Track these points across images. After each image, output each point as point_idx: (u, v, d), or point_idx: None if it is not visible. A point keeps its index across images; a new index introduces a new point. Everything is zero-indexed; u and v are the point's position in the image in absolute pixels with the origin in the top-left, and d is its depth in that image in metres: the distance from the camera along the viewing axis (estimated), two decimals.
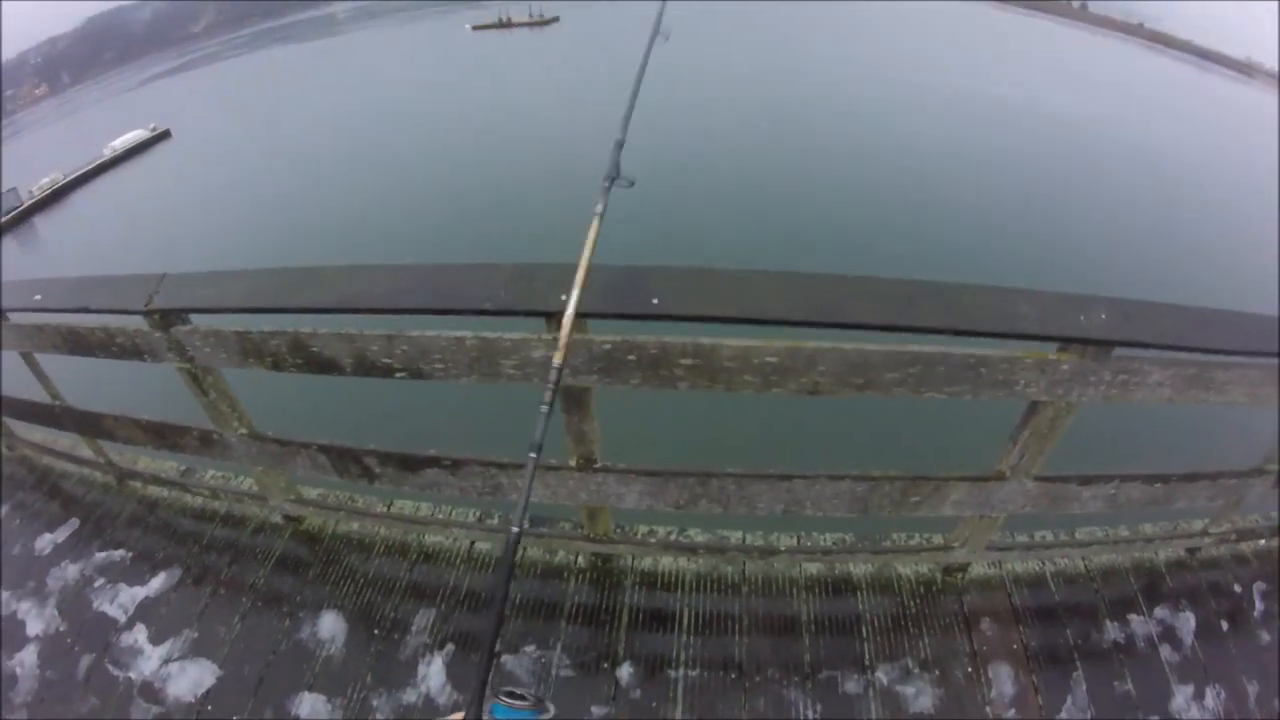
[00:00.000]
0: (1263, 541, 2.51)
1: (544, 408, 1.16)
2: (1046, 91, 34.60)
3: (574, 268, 1.41)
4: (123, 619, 2.27)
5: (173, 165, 32.75)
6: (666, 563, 2.27)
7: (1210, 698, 2.03)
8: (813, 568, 2.24)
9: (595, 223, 1.33)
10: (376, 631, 2.12)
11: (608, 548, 2.21)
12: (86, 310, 1.91)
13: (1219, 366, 1.66)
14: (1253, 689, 2.07)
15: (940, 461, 2.13)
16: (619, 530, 2.24)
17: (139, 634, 2.21)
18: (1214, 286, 14.66)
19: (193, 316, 1.85)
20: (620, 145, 1.42)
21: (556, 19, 56.90)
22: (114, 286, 1.93)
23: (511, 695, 0.92)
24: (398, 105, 35.06)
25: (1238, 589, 2.35)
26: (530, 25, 58.05)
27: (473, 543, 2.37)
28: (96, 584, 2.40)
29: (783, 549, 2.21)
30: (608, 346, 1.50)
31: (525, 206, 19.07)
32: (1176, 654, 2.11)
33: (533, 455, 1.15)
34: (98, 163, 34.08)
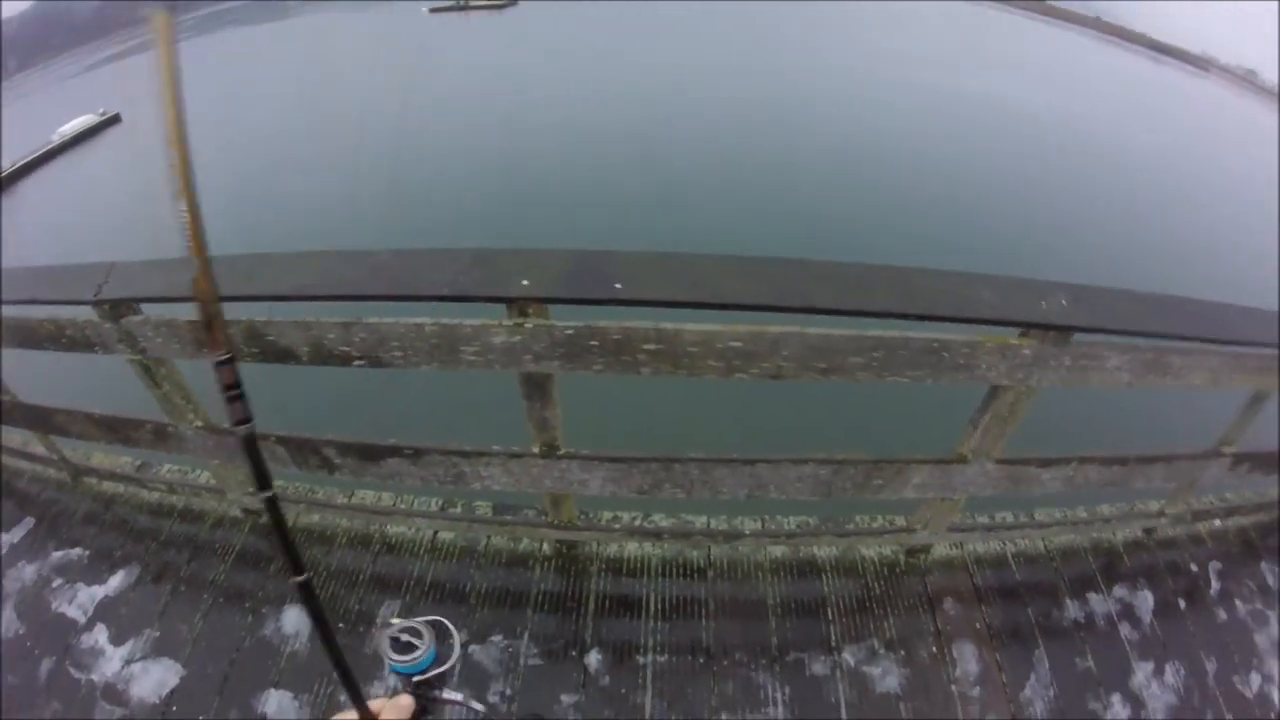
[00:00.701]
0: (1218, 522, 2.60)
1: None
2: (1007, 83, 35.11)
3: (534, 253, 1.39)
4: (82, 620, 2.21)
5: (123, 150, 31.61)
6: (632, 548, 2.27)
7: (1170, 674, 2.09)
8: (778, 551, 2.26)
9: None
10: (341, 625, 2.09)
11: (572, 534, 2.21)
12: (35, 301, 1.84)
13: (1176, 352, 1.70)
14: (1211, 665, 2.14)
15: (903, 445, 2.15)
16: (583, 517, 2.24)
17: (99, 635, 2.16)
18: (1172, 273, 15.10)
19: (144, 306, 1.78)
20: None
21: (514, 2, 56.03)
22: (62, 277, 1.86)
23: (400, 646, 0.85)
24: (352, 88, 34.17)
25: (1194, 568, 2.43)
26: (488, 8, 57.09)
27: (435, 532, 2.34)
28: (54, 584, 2.33)
29: (747, 533, 2.22)
30: (570, 332, 1.48)
31: (483, 190, 18.84)
32: (1136, 632, 2.18)
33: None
34: (46, 149, 32.80)
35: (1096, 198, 21.24)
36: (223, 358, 0.70)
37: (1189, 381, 1.78)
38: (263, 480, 0.71)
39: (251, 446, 0.72)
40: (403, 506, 2.35)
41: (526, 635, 2.04)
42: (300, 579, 0.73)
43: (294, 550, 0.73)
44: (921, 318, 1.46)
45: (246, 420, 0.70)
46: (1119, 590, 2.29)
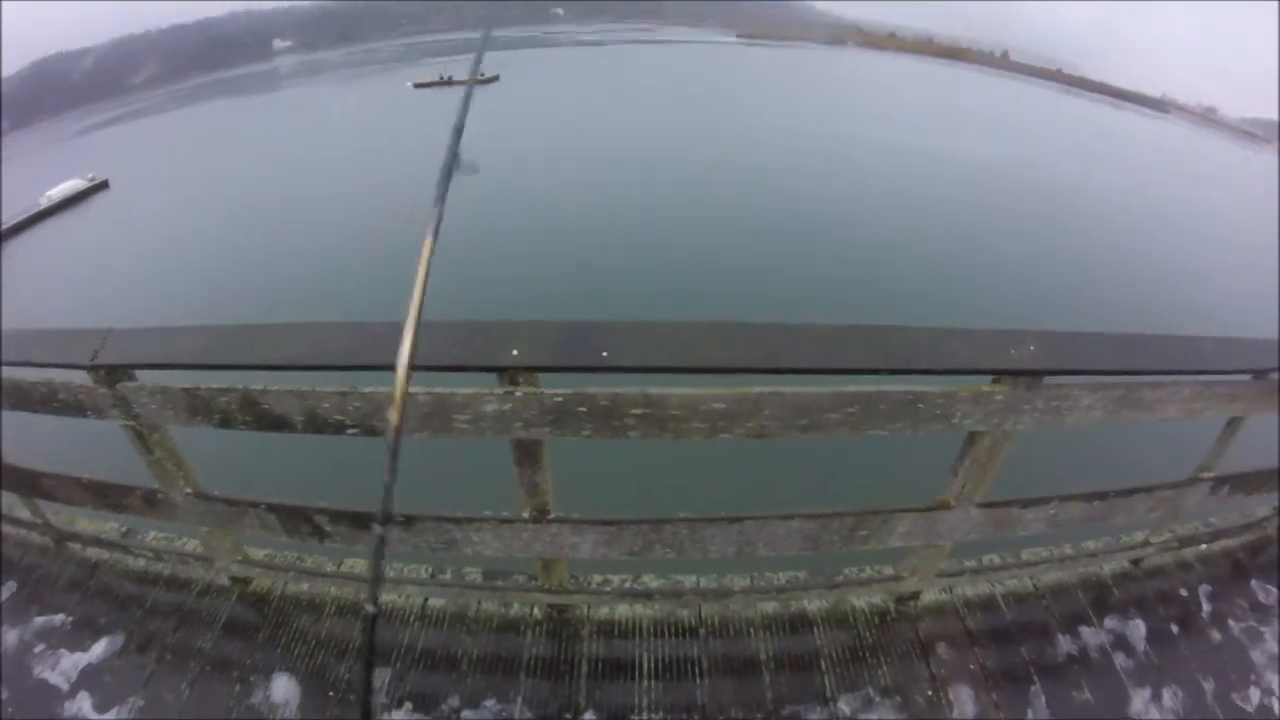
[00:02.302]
0: (1204, 546, 2.62)
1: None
2: (974, 139, 36.39)
3: (524, 324, 1.44)
4: (65, 687, 2.15)
5: (111, 216, 31.79)
6: (623, 610, 2.26)
7: (1168, 698, 2.10)
8: (768, 606, 2.26)
9: (428, 243, 0.98)
10: (331, 694, 2.05)
11: (563, 598, 2.20)
12: (29, 364, 1.84)
13: (1148, 386, 1.76)
14: (1209, 685, 2.15)
15: (888, 494, 2.19)
16: (574, 580, 2.24)
17: (83, 702, 2.10)
18: (1142, 305, 15.44)
19: (138, 372, 1.81)
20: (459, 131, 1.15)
21: (497, 77, 57.54)
22: (57, 340, 1.88)
23: None
24: (339, 160, 34.96)
25: (1184, 593, 2.45)
26: (471, 84, 58.22)
27: (426, 599, 2.32)
28: (36, 650, 2.27)
29: (737, 590, 2.23)
30: (559, 399, 1.52)
31: (469, 260, 19.12)
32: (1130, 660, 2.19)
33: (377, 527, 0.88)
34: (34, 212, 32.94)
35: (1064, 241, 21.90)
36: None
37: (1163, 414, 1.83)
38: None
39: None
40: (392, 574, 2.33)
41: (520, 700, 2.01)
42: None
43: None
44: (896, 372, 1.52)
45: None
46: (1110, 622, 2.30)
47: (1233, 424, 2.16)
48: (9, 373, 1.93)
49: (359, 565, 2.39)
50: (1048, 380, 1.63)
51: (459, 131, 1.14)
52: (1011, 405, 1.65)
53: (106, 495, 2.25)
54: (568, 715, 1.98)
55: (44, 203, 33.87)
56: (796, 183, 27.62)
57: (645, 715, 1.98)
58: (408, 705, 2.01)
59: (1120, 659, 2.19)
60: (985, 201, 25.97)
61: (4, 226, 30.80)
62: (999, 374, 1.61)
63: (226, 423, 1.74)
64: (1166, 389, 1.78)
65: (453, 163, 1.07)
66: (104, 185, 37.06)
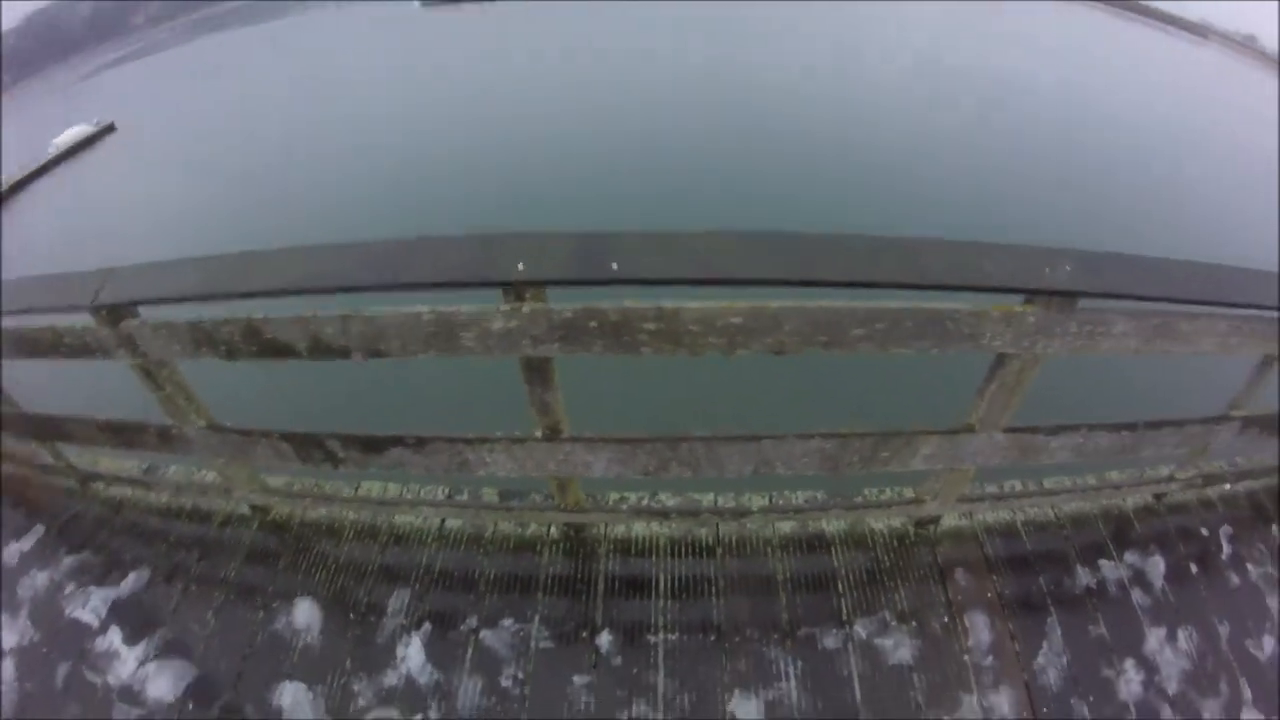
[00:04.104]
0: (1229, 486, 2.57)
1: None
2: (1011, 57, 34.88)
3: (530, 235, 1.38)
4: (96, 623, 2.22)
5: (119, 160, 31.60)
6: (640, 529, 2.27)
7: (1182, 639, 2.09)
8: (786, 527, 2.26)
9: None
10: (352, 616, 2.10)
11: (579, 517, 2.20)
12: (31, 311, 1.83)
13: (1185, 317, 1.68)
14: (1224, 629, 2.13)
15: (910, 417, 2.13)
16: (590, 499, 2.24)
17: (114, 637, 2.17)
18: (1175, 238, 15.01)
19: (141, 309, 1.78)
20: None
21: None
22: (58, 285, 1.86)
23: None
24: (346, 87, 34.24)
25: (1205, 533, 2.41)
26: (481, 0, 56.74)
27: (443, 520, 2.34)
28: (67, 590, 2.34)
29: (755, 510, 2.22)
30: (568, 314, 1.47)
31: (477, 180, 18.83)
32: (1148, 597, 2.17)
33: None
34: (42, 162, 32.83)
35: (1099, 166, 21.12)
36: None
37: (1198, 347, 1.76)
38: None
39: None
40: (409, 496, 2.35)
41: (537, 619, 2.04)
42: None
43: None
44: (925, 287, 1.45)
45: None
46: (1130, 556, 2.27)
47: (1266, 362, 2.07)
48: (15, 321, 1.92)
49: (375, 488, 2.42)
50: (1082, 303, 1.55)
51: None
52: (1044, 327, 1.57)
53: (122, 434, 2.27)
54: (585, 633, 2.01)
55: (51, 151, 33.68)
56: (823, 94, 26.77)
57: (661, 634, 2.00)
58: (426, 626, 2.04)
59: (1137, 595, 2.17)
60: (1020, 121, 24.99)
61: (13, 179, 30.77)
62: (1032, 294, 1.53)
63: (231, 354, 1.72)
64: (1202, 321, 1.70)
65: None
66: (110, 129, 36.71)
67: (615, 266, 1.38)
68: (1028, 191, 18.64)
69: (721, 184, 18.09)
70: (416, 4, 56.23)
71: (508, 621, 2.04)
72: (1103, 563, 2.24)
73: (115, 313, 1.75)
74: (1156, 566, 2.25)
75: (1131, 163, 22.07)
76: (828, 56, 33.34)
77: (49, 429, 2.47)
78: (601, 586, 2.12)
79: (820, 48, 35.44)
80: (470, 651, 1.98)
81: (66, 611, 2.27)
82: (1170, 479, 2.43)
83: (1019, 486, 2.36)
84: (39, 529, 2.60)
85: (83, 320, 1.81)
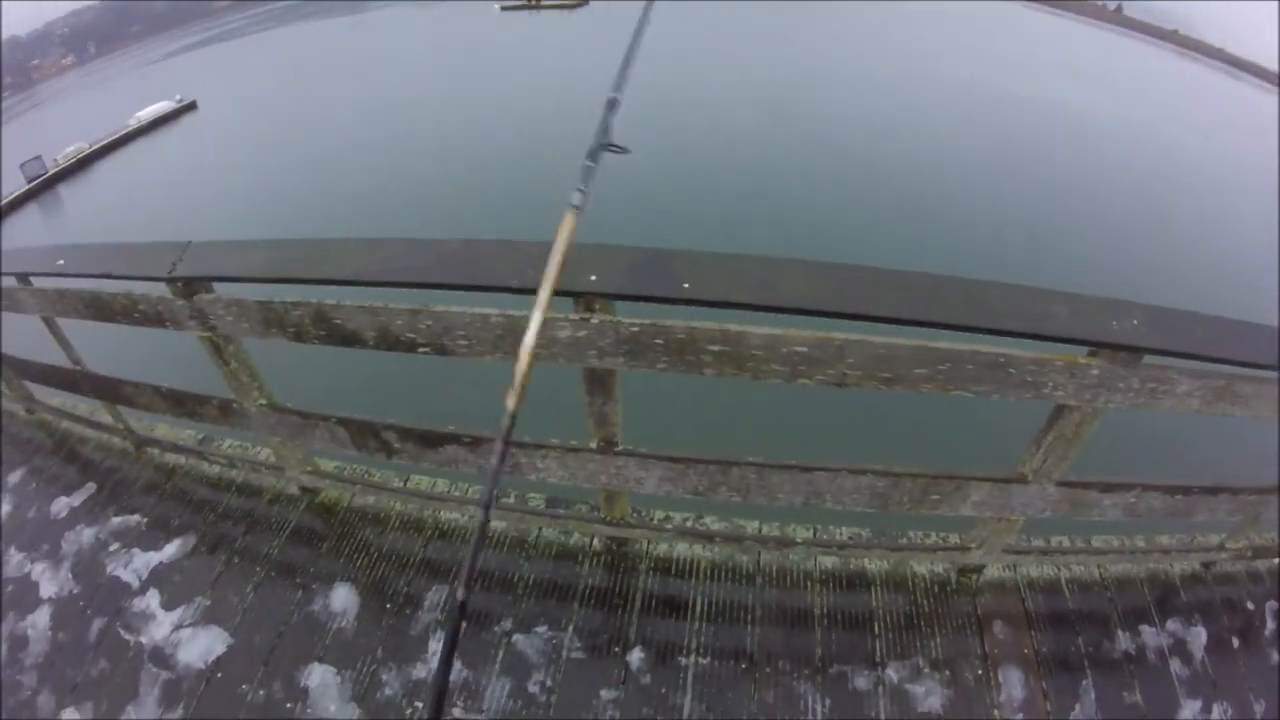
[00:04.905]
0: (1277, 560, 2.48)
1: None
2: (1079, 94, 34.15)
3: (602, 248, 1.39)
4: (136, 584, 2.29)
5: (198, 137, 33.01)
6: (681, 549, 2.26)
7: (1217, 713, 2.02)
8: (828, 561, 2.23)
9: (571, 215, 1.14)
10: (389, 606, 2.13)
11: (623, 531, 2.21)
12: (109, 276, 1.91)
13: (1246, 380, 1.63)
14: (1259, 707, 2.06)
15: (959, 458, 2.10)
16: (635, 514, 2.24)
17: (151, 599, 2.24)
18: (1239, 297, 14.48)
19: (215, 285, 1.85)
20: (613, 105, 1.24)
21: (587, 1, 56.44)
22: (137, 253, 1.94)
23: None
24: (423, 82, 35.13)
25: (1251, 606, 2.33)
26: (560, 7, 57.74)
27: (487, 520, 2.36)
28: (111, 549, 2.42)
29: (799, 541, 2.19)
30: (635, 329, 1.49)
31: (548, 186, 19.08)
32: (1186, 668, 2.10)
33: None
34: (123, 133, 34.29)
35: (1168, 214, 20.52)
36: None
37: (1256, 411, 1.70)
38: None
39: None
40: (456, 493, 2.38)
41: (571, 628, 2.04)
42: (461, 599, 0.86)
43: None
44: (990, 331, 1.43)
45: None
46: (1172, 624, 2.20)
47: None
48: (91, 285, 2.00)
49: (424, 482, 2.45)
50: (1147, 359, 1.51)
51: (612, 105, 1.21)
52: (1106, 381, 1.54)
53: (184, 404, 2.35)
54: (617, 648, 2.00)
55: (133, 123, 35.28)
56: (893, 127, 26.51)
57: (693, 656, 1.99)
58: (462, 623, 2.05)
59: (1176, 665, 2.10)
60: (1085, 161, 24.42)
61: (95, 146, 32.16)
62: (1097, 346, 1.50)
63: (299, 336, 1.77)
64: (1263, 384, 1.65)
65: (600, 143, 1.13)
66: (192, 106, 38.33)
67: (686, 285, 1.39)
68: (1096, 233, 18.23)
69: (786, 210, 18.15)
70: (496, 7, 57.50)
71: (542, 628, 2.04)
72: (1144, 628, 2.18)
73: (190, 285, 1.82)
74: (1198, 637, 2.18)
75: (1205, 213, 21.44)
76: (908, 89, 33.00)
77: (112, 391, 2.57)
78: (638, 603, 2.12)
79: (897, 77, 35.15)
80: (501, 654, 1.99)
81: (108, 569, 2.35)
82: (1220, 548, 2.35)
83: (1066, 543, 2.29)
84: (90, 486, 2.70)
85: (158, 290, 1.87)
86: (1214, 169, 26.34)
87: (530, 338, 1.06)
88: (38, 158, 29.85)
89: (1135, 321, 1.46)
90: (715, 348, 1.47)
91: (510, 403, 1.03)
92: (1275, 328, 1.62)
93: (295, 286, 1.66)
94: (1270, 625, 2.28)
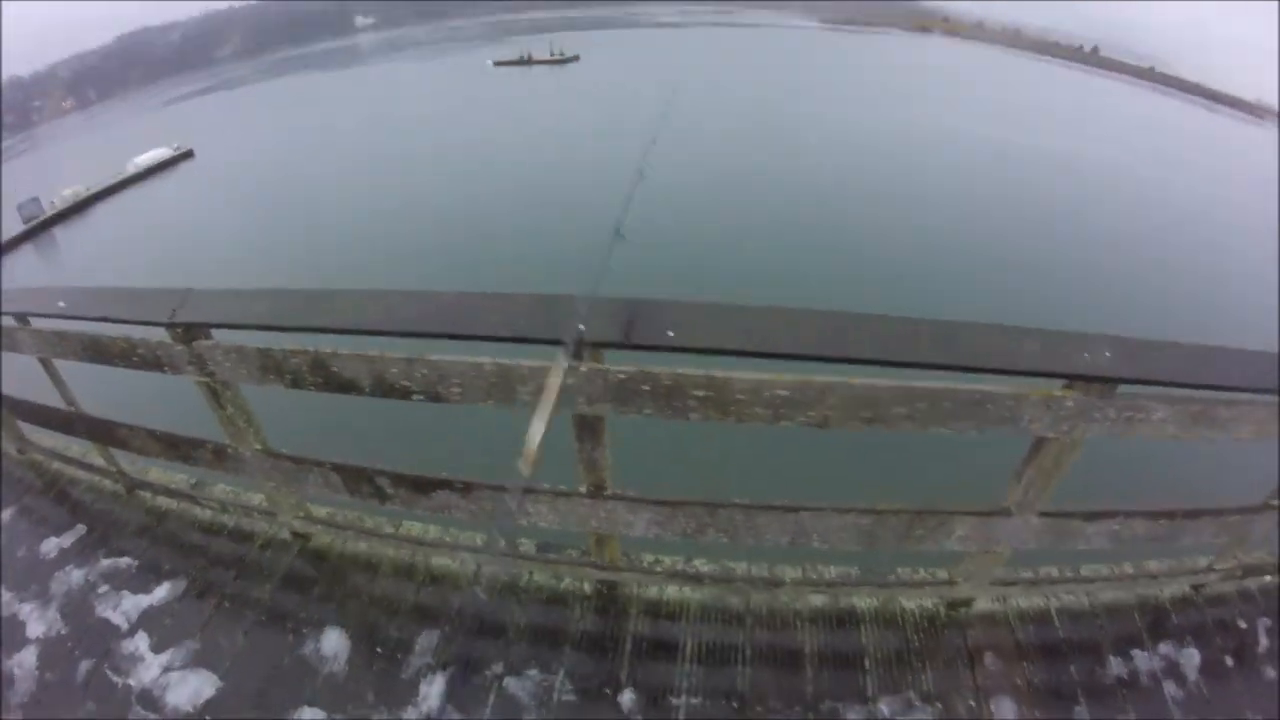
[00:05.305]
0: (1268, 578, 2.49)
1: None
2: (1052, 133, 34.98)
3: (589, 299, 1.44)
4: (125, 626, 2.28)
5: (195, 184, 33.44)
6: (672, 592, 2.27)
7: None
8: (817, 600, 2.24)
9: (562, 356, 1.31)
10: (380, 650, 2.12)
11: (614, 575, 2.22)
12: (108, 320, 1.96)
13: (1223, 403, 1.67)
14: None
15: (946, 494, 2.13)
16: (625, 558, 2.25)
17: (140, 642, 2.22)
18: (1215, 324, 14.65)
19: (214, 331, 1.89)
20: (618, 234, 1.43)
21: (576, 57, 58.12)
22: (138, 298, 1.98)
23: None
24: (417, 135, 35.79)
25: (1243, 625, 2.34)
26: (551, 63, 59.26)
27: (479, 566, 2.37)
28: (100, 590, 2.41)
29: (788, 580, 2.21)
30: (623, 376, 1.53)
31: (539, 238, 19.31)
32: (1181, 690, 2.10)
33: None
34: (121, 178, 34.66)
35: (1141, 246, 20.86)
36: None
37: (1236, 434, 1.74)
38: None
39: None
40: (448, 539, 2.39)
41: (563, 671, 2.04)
42: None
43: None
44: (965, 369, 1.48)
45: None
46: (1164, 648, 2.21)
47: None
48: (90, 328, 2.03)
49: (416, 528, 2.46)
50: (1121, 389, 1.56)
51: (628, 201, 1.25)
52: (1082, 412, 1.59)
53: (178, 447, 2.36)
54: (608, 690, 2.00)
55: (130, 169, 35.65)
56: (872, 173, 27.04)
57: (684, 697, 1.98)
58: (451, 669, 2.05)
59: (1170, 688, 2.10)
60: (1061, 201, 24.90)
61: (92, 191, 32.39)
62: (1071, 378, 1.55)
63: (297, 383, 1.81)
64: (1241, 407, 1.69)
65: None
66: (189, 154, 38.83)
67: (671, 334, 1.44)
68: (1070, 270, 18.49)
69: (769, 255, 18.46)
70: (489, 62, 58.96)
71: (533, 671, 2.04)
72: (1136, 653, 2.18)
73: (190, 331, 1.85)
74: (1191, 659, 2.18)
75: (1174, 242, 21.82)
76: (884, 133, 33.68)
77: (106, 433, 2.58)
78: (629, 645, 2.12)
79: (874, 122, 35.87)
80: (493, 697, 1.98)
81: (97, 610, 2.34)
82: (1209, 569, 2.37)
83: (1055, 573, 2.31)
84: (80, 528, 2.69)
85: (157, 335, 1.91)
86: (1199, 203, 26.83)
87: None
88: (35, 199, 30.03)
89: (1107, 354, 1.51)
90: (700, 393, 1.52)
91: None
92: (1247, 352, 1.67)
93: (293, 334, 1.70)
94: (1265, 643, 2.28)
